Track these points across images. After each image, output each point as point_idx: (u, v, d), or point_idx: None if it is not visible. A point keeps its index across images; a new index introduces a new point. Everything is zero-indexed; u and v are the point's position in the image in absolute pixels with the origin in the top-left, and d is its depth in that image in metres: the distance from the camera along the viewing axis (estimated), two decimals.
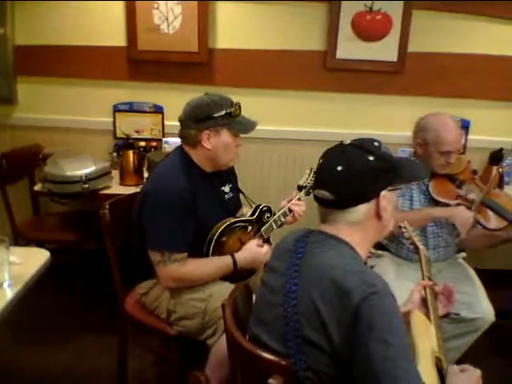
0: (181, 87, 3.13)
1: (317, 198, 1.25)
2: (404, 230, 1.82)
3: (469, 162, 3.00)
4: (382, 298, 1.08)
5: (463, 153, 3.22)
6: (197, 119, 1.93)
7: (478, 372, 1.22)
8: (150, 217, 1.90)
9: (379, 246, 2.50)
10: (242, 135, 2.02)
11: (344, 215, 1.21)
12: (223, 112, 1.94)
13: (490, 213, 2.18)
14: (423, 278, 1.59)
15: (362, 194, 1.19)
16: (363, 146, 1.22)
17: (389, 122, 3.20)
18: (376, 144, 1.24)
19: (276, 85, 3.19)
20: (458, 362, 2.31)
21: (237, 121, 1.99)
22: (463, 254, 2.54)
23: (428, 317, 1.42)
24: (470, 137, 3.25)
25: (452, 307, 1.54)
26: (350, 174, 1.18)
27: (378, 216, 1.22)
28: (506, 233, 2.15)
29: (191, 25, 3.05)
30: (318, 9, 3.08)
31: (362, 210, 1.20)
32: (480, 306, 2.18)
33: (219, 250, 1.98)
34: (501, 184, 2.74)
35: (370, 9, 3.05)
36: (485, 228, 2.21)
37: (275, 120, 3.23)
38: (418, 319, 1.31)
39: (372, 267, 2.49)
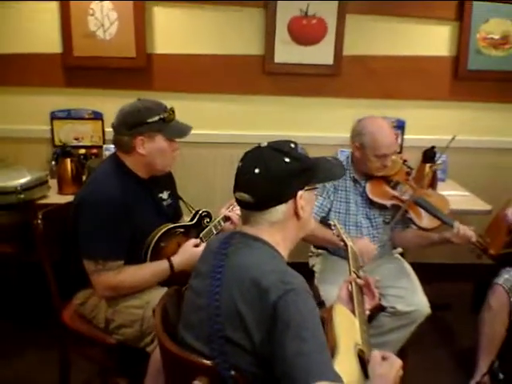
0: (120, 93, 3.09)
1: (238, 201, 1.28)
2: (333, 228, 1.87)
3: (405, 161, 3.11)
4: (299, 295, 1.11)
5: (400, 152, 3.33)
6: (130, 125, 1.92)
7: (399, 361, 1.27)
8: (82, 225, 1.88)
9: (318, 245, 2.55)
10: (182, 140, 2.02)
11: (264, 216, 1.24)
12: (157, 117, 1.94)
13: (423, 213, 2.26)
14: (350, 274, 1.63)
15: (279, 195, 1.23)
16: (279, 147, 1.25)
17: (327, 123, 3.28)
18: (292, 145, 1.28)
19: (216, 89, 3.21)
20: (401, 353, 2.40)
21: (171, 126, 1.99)
22: (399, 250, 2.63)
23: (353, 311, 1.46)
24: (405, 136, 3.36)
25: (377, 299, 1.59)
26: (267, 176, 1.21)
27: (297, 215, 1.25)
28: (438, 234, 2.23)
29: (128, 30, 3.04)
30: (255, 13, 3.13)
31: (281, 210, 1.23)
32: (415, 299, 2.26)
33: (158, 256, 1.97)
34: (434, 181, 2.84)
35: (306, 13, 3.11)
36: (417, 226, 2.29)
37: (216, 124, 3.26)
38: (341, 314, 1.35)
39: (313, 266, 2.55)
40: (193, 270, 2.02)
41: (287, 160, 1.23)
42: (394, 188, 2.33)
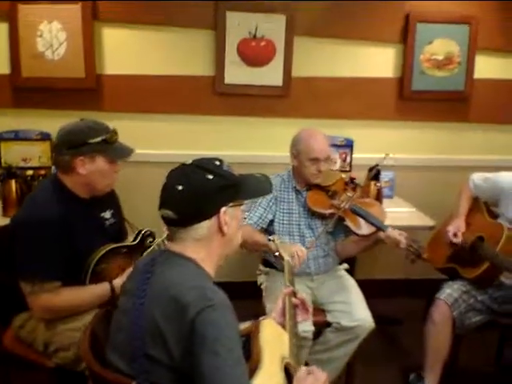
0: (69, 113, 3.06)
1: (163, 218, 1.29)
2: (272, 242, 1.90)
3: (353, 179, 3.19)
4: (218, 311, 1.13)
5: (350, 170, 3.41)
6: (71, 145, 1.91)
7: (324, 375, 1.29)
8: (18, 246, 1.85)
9: (265, 263, 2.58)
10: (133, 159, 2.03)
11: (188, 232, 1.25)
12: (99, 138, 1.94)
13: (360, 220, 2.32)
14: (285, 287, 1.66)
15: (202, 212, 1.24)
16: (203, 165, 1.28)
17: (277, 143, 3.31)
18: (217, 163, 1.30)
19: (166, 109, 3.23)
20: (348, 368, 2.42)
21: (113, 147, 1.99)
22: (345, 266, 2.67)
23: (285, 325, 1.49)
24: (354, 155, 3.44)
25: (309, 315, 1.62)
26: (189, 193, 1.23)
27: (222, 231, 1.27)
28: (373, 239, 2.29)
29: (77, 51, 3.03)
30: (205, 35, 3.18)
31: (205, 226, 1.25)
32: (358, 314, 2.30)
33: (98, 278, 1.95)
34: (379, 198, 2.91)
35: (254, 35, 3.18)
36: (354, 233, 2.35)
37: (166, 144, 3.27)
38: (268, 328, 1.37)
39: (261, 284, 2.57)
40: None
41: (210, 177, 1.25)
42: (331, 197, 2.41)
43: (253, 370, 1.21)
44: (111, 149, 1.97)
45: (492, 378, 2.84)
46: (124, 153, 2.02)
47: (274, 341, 1.35)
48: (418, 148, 3.53)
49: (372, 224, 2.29)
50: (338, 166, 3.44)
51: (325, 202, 2.40)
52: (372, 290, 3.60)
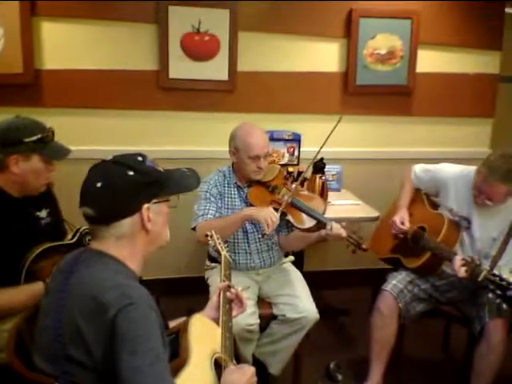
0: (7, 110, 2.95)
1: (84, 216, 1.25)
2: (209, 238, 1.89)
3: (300, 172, 3.21)
4: (137, 309, 1.11)
5: (297, 164, 3.43)
6: (5, 143, 1.85)
7: (252, 369, 1.30)
8: None
9: (211, 258, 2.57)
10: (76, 156, 1.97)
11: (110, 230, 1.22)
12: (34, 137, 1.88)
13: (301, 214, 2.34)
14: (221, 281, 1.66)
15: (122, 209, 1.22)
16: (123, 161, 1.25)
17: (224, 138, 3.27)
18: (139, 159, 1.28)
19: (109, 105, 3.17)
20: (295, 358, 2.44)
21: (49, 146, 1.94)
22: (291, 258, 2.69)
23: (218, 319, 1.48)
24: (302, 149, 3.46)
25: (244, 309, 1.62)
26: (108, 190, 1.20)
27: (145, 229, 1.25)
28: (317, 233, 2.31)
29: (14, 46, 2.93)
30: (147, 29, 3.13)
31: (127, 224, 1.22)
32: (303, 306, 2.31)
33: (33, 277, 1.89)
34: (324, 191, 2.93)
35: (198, 30, 3.16)
36: (296, 227, 2.36)
37: (110, 140, 3.21)
38: (198, 324, 1.36)
39: (207, 279, 2.56)
40: None
41: (131, 173, 1.22)
42: (272, 192, 2.41)
43: (180, 367, 1.19)
44: (47, 148, 1.92)
45: (438, 364, 2.91)
46: (60, 153, 1.97)
47: (203, 336, 1.34)
48: (363, 141, 3.59)
49: (312, 217, 2.30)
50: (286, 159, 3.46)
51: (266, 198, 2.39)
52: (321, 281, 3.68)
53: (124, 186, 1.21)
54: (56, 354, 1.14)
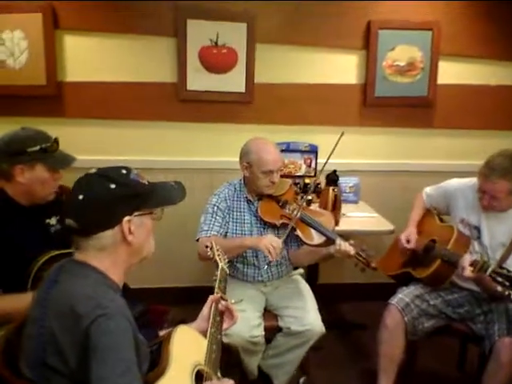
0: (31, 120, 3.04)
1: (67, 227, 1.29)
2: (209, 250, 1.91)
3: (318, 184, 3.22)
4: (111, 319, 1.13)
5: (314, 176, 3.42)
6: (10, 153, 1.92)
7: (231, 382, 1.31)
8: None
9: None
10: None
11: (91, 242, 1.25)
12: (38, 147, 1.94)
13: (310, 230, 2.33)
14: (214, 293, 1.67)
15: (103, 221, 1.25)
16: (106, 174, 1.28)
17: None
18: (123, 171, 1.31)
19: (129, 116, 3.26)
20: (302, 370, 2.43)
21: (53, 156, 2.00)
22: (300, 271, 2.68)
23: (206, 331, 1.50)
24: (319, 160, 3.45)
25: (234, 322, 1.63)
26: (89, 202, 1.23)
27: (127, 241, 1.27)
28: (325, 249, 2.30)
29: (38, 59, 3.06)
30: (167, 42, 3.20)
31: (108, 236, 1.25)
32: (308, 319, 2.30)
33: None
34: (337, 204, 2.91)
35: (216, 43, 3.20)
36: (304, 243, 2.36)
37: (130, 150, 3.29)
38: (183, 334, 1.37)
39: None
40: None
41: (112, 186, 1.25)
42: (282, 207, 2.41)
43: (157, 377, 1.21)
44: (51, 157, 1.98)
45: (452, 383, 2.84)
46: (65, 161, 2.03)
47: (187, 347, 1.36)
48: (382, 153, 3.55)
49: (321, 233, 2.29)
50: (303, 171, 3.46)
51: (276, 212, 2.40)
52: (337, 294, 3.65)
53: (104, 199, 1.24)
54: (37, 361, 1.18)
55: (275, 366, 2.41)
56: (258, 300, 2.44)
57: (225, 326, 1.60)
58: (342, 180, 3.40)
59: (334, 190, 2.91)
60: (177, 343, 1.32)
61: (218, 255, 1.86)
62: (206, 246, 1.93)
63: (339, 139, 2.44)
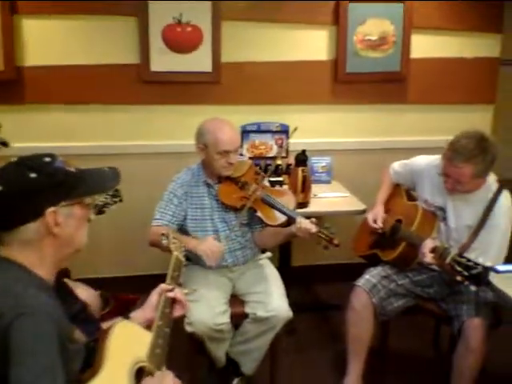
0: None
1: None
2: (163, 237, 1.84)
3: (289, 165, 3.15)
4: (31, 318, 1.06)
5: (286, 157, 3.34)
6: None
7: (170, 374, 1.26)
8: None
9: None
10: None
11: (13, 236, 1.17)
12: None
13: (274, 210, 2.27)
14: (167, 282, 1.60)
15: (23, 213, 1.16)
16: (26, 163, 1.20)
17: None
18: (47, 159, 1.22)
19: (92, 99, 3.14)
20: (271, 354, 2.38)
21: None
22: (268, 254, 2.62)
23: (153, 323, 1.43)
24: (290, 140, 3.36)
25: (186, 310, 1.57)
26: (8, 194, 1.15)
27: (52, 233, 1.19)
28: (287, 229, 2.24)
29: None
30: (127, 22, 3.08)
31: (31, 229, 1.17)
32: (273, 305, 2.24)
33: None
34: (305, 185, 2.83)
35: (179, 21, 3.09)
36: (265, 224, 2.30)
37: (94, 135, 3.19)
38: (123, 330, 1.31)
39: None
40: None
41: (33, 175, 1.17)
42: (242, 188, 2.33)
43: (89, 378, 1.15)
44: None
45: (427, 362, 2.81)
46: None
47: (127, 344, 1.29)
48: (355, 131, 3.48)
49: (282, 212, 2.23)
50: (274, 152, 3.38)
51: (236, 194, 2.32)
52: (311, 276, 3.60)
53: (25, 190, 1.16)
54: None
55: (243, 352, 2.36)
56: (224, 286, 2.37)
57: (175, 314, 1.54)
58: (313, 160, 3.34)
59: (302, 170, 2.83)
60: (115, 340, 1.25)
61: (174, 243, 1.79)
62: (163, 234, 1.86)
63: (292, 133, 2.47)
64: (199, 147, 2.34)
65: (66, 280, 2.10)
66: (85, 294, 2.14)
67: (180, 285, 1.66)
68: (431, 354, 2.88)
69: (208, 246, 2.15)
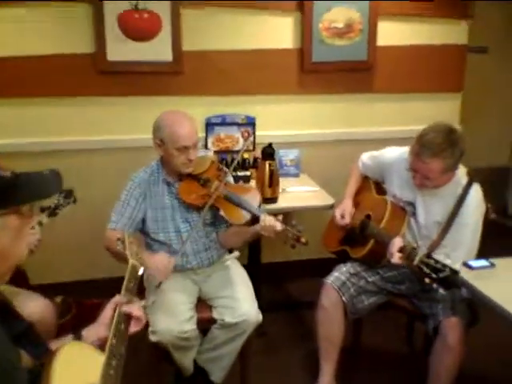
0: None
1: None
2: (119, 242, 1.68)
3: (256, 158, 3.02)
4: None
5: (253, 149, 3.21)
6: None
7: None
8: None
9: None
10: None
11: None
12: None
13: (237, 208, 2.14)
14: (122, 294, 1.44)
15: None
16: None
17: None
18: None
19: (45, 92, 2.94)
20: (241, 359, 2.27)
21: None
22: (236, 254, 2.49)
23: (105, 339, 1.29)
24: (257, 133, 3.24)
25: (142, 326, 1.42)
26: None
27: None
28: (252, 228, 2.11)
29: None
30: (81, 9, 2.87)
31: None
32: (242, 309, 2.12)
33: None
34: (273, 179, 2.70)
35: (136, 7, 2.90)
36: (229, 223, 2.18)
37: (49, 130, 3.00)
38: (71, 352, 1.16)
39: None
40: None
41: None
42: (204, 185, 2.18)
43: None
44: None
45: (402, 359, 2.74)
46: None
47: (75, 368, 1.14)
48: (322, 123, 3.36)
49: (246, 210, 2.11)
50: (240, 145, 3.24)
51: (197, 193, 2.17)
52: (282, 273, 3.49)
53: None
54: None
55: (211, 360, 2.23)
56: (189, 290, 2.24)
57: (131, 330, 1.39)
58: (281, 153, 3.23)
59: (270, 164, 2.70)
60: (63, 363, 1.11)
61: (130, 249, 1.63)
62: (118, 239, 1.70)
63: (243, 149, 2.40)
64: (156, 143, 2.17)
65: (12, 290, 1.93)
66: (38, 305, 1.97)
67: (144, 293, 1.51)
68: (405, 351, 2.81)
69: (158, 260, 2.01)
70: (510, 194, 4.72)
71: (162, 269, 1.99)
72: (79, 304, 2.88)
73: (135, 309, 1.39)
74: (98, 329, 1.38)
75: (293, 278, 3.49)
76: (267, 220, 2.01)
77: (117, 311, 1.37)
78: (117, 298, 1.42)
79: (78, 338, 1.37)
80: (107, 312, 1.40)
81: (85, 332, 1.39)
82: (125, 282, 1.49)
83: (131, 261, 1.58)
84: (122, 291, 1.45)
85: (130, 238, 1.70)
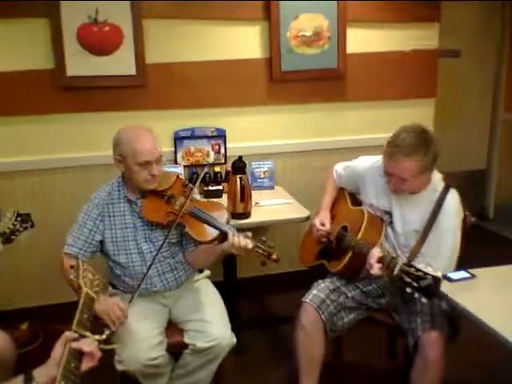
0: None
1: None
2: (72, 270, 1.55)
3: (228, 172, 2.91)
4: None
5: (225, 163, 3.11)
6: None
7: None
8: None
9: (112, 284, 2.23)
10: None
11: None
12: None
13: (204, 225, 2.02)
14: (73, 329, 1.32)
15: None
16: None
17: None
18: None
19: (2, 112, 2.80)
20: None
21: None
22: (207, 273, 2.37)
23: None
24: (228, 145, 3.14)
25: (95, 362, 1.30)
26: None
27: None
28: (220, 246, 2.00)
29: None
30: (38, 24, 2.75)
31: None
32: (214, 333, 2.00)
33: None
34: (245, 193, 2.59)
35: (95, 20, 2.79)
36: (196, 241, 2.06)
37: (9, 151, 2.87)
38: None
39: None
40: None
41: None
42: (168, 202, 2.06)
43: None
44: None
45: (384, 374, 2.65)
46: None
47: None
48: (295, 133, 3.28)
49: (213, 227, 1.99)
50: (211, 158, 3.14)
51: (162, 210, 2.04)
52: (261, 287, 3.37)
53: None
54: None
55: None
56: (158, 314, 2.11)
57: (83, 368, 1.26)
58: (254, 165, 3.14)
59: (240, 178, 2.60)
60: None
61: (84, 277, 1.50)
62: (71, 266, 1.57)
63: (200, 177, 2.24)
64: (116, 159, 2.06)
65: None
66: None
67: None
68: (387, 366, 2.71)
69: (110, 308, 1.84)
70: (489, 198, 4.70)
71: (114, 318, 1.83)
72: (46, 330, 2.73)
73: (86, 344, 1.27)
74: (49, 368, 1.25)
75: (271, 292, 3.38)
76: (235, 238, 1.90)
77: (66, 349, 1.25)
78: (67, 334, 1.29)
79: (30, 378, 1.25)
80: (57, 349, 1.27)
81: (36, 372, 1.26)
82: (77, 315, 1.36)
83: (85, 289, 1.46)
84: (74, 325, 1.33)
85: (85, 265, 1.58)
